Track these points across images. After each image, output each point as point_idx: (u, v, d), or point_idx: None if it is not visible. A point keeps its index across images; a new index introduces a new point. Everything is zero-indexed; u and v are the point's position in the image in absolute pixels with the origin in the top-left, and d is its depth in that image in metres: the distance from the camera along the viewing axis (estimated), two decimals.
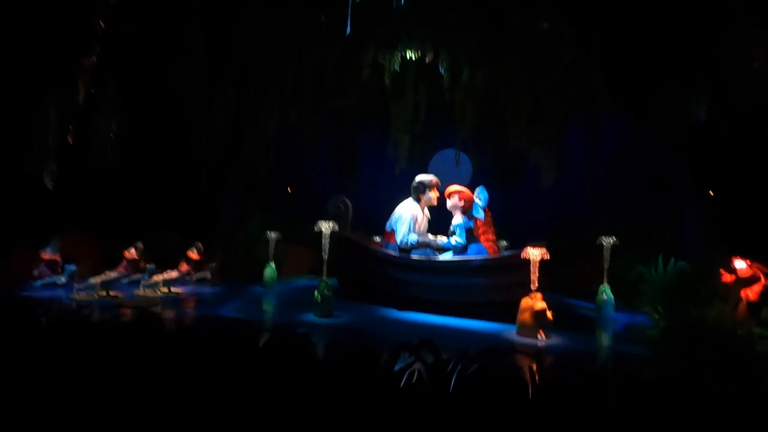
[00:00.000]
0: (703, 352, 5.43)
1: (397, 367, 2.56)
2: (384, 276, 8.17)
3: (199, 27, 9.34)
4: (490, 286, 7.42)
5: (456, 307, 7.53)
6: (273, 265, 9.41)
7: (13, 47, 8.44)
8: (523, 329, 6.55)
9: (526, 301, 6.58)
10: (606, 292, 8.17)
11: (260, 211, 11.16)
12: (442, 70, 9.31)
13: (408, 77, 10.35)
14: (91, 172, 9.38)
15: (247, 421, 2.28)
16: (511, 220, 9.85)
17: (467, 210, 7.96)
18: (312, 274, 10.33)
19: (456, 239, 7.92)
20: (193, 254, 9.88)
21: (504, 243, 9.13)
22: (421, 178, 8.62)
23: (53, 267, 8.76)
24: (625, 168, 11.24)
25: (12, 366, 2.68)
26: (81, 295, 7.62)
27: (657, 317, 6.76)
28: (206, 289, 9.09)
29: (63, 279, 8.49)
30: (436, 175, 8.75)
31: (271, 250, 9.44)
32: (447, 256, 7.95)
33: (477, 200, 7.89)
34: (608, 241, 8.20)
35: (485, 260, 7.61)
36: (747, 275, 6.49)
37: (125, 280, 8.70)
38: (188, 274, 9.57)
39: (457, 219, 8.01)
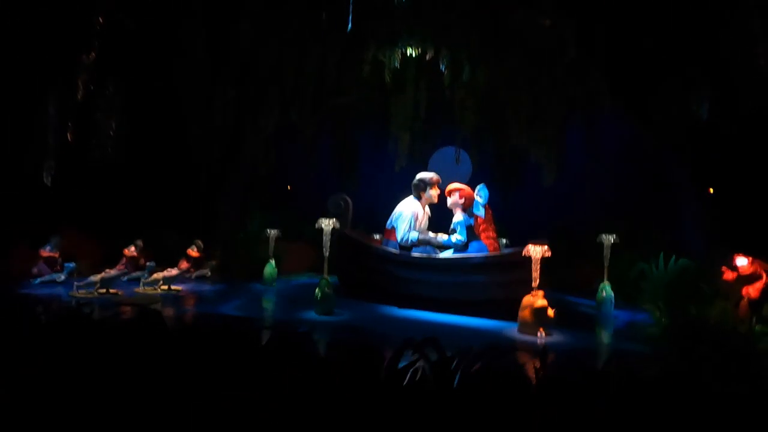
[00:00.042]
0: (705, 349, 5.43)
1: (400, 365, 2.55)
2: (385, 273, 8.17)
3: (199, 26, 9.33)
4: (491, 283, 7.42)
5: (456, 305, 7.53)
6: (273, 262, 9.40)
7: (13, 46, 8.43)
8: (525, 327, 6.55)
9: (527, 299, 6.58)
10: (606, 290, 8.17)
11: (260, 211, 11.15)
12: (442, 68, 9.30)
13: (408, 75, 10.33)
14: (91, 170, 9.38)
15: (247, 420, 2.27)
16: (511, 219, 9.84)
17: (468, 207, 7.95)
18: (312, 271, 10.34)
19: (457, 237, 7.91)
20: (193, 252, 9.88)
21: (503, 241, 9.12)
22: (421, 175, 8.61)
23: (52, 264, 8.75)
24: (626, 167, 11.23)
25: (11, 364, 2.66)
26: (80, 293, 7.61)
27: (658, 315, 6.75)
28: (206, 287, 9.09)
29: (62, 276, 8.50)
30: (435, 172, 8.74)
31: (271, 248, 9.44)
32: (448, 254, 7.95)
33: (477, 198, 7.88)
34: (608, 239, 8.20)
35: (486, 258, 7.61)
36: (748, 273, 6.47)
37: (125, 278, 8.69)
38: (188, 271, 9.57)
39: (458, 216, 8.00)
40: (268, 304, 8.38)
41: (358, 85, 10.30)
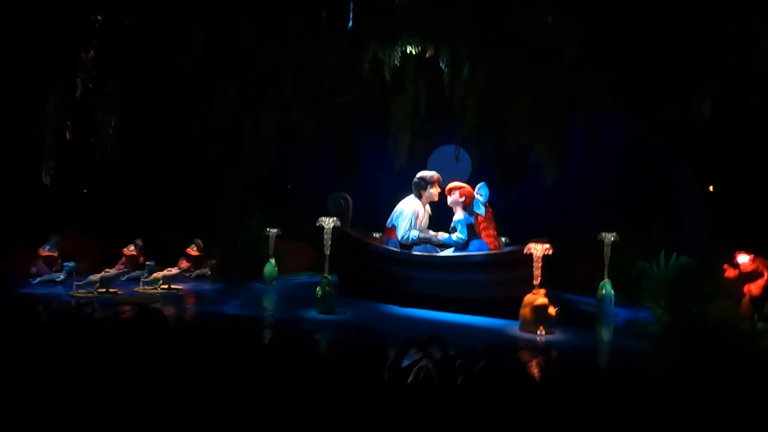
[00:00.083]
0: (706, 347, 5.42)
1: (404, 364, 2.54)
2: (385, 272, 8.15)
3: (199, 26, 9.32)
4: (492, 281, 7.41)
5: (457, 303, 7.51)
6: (273, 261, 9.38)
7: (13, 46, 8.42)
8: (526, 325, 6.53)
9: (529, 297, 6.56)
10: (606, 288, 8.16)
11: (260, 210, 11.14)
12: (443, 65, 9.29)
13: (408, 74, 10.32)
14: (90, 170, 9.36)
15: (249, 420, 2.25)
16: (511, 218, 9.82)
17: (468, 206, 7.94)
18: (312, 270, 10.32)
19: (457, 235, 7.90)
20: (193, 251, 9.87)
21: (504, 240, 9.11)
22: (422, 174, 8.60)
23: (51, 264, 8.74)
24: (626, 166, 11.21)
25: (11, 364, 2.65)
26: (80, 293, 7.60)
27: (660, 313, 6.74)
28: (206, 286, 9.08)
29: (61, 276, 8.48)
30: (435, 171, 8.73)
31: (271, 247, 9.42)
32: (448, 252, 7.93)
33: (478, 196, 7.87)
34: (609, 237, 8.18)
35: (487, 256, 7.59)
36: (750, 270, 6.46)
37: (124, 277, 8.68)
38: (188, 270, 9.55)
39: (458, 215, 7.99)
40: (269, 304, 8.37)
41: (358, 85, 10.28)
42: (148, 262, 8.63)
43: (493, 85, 9.77)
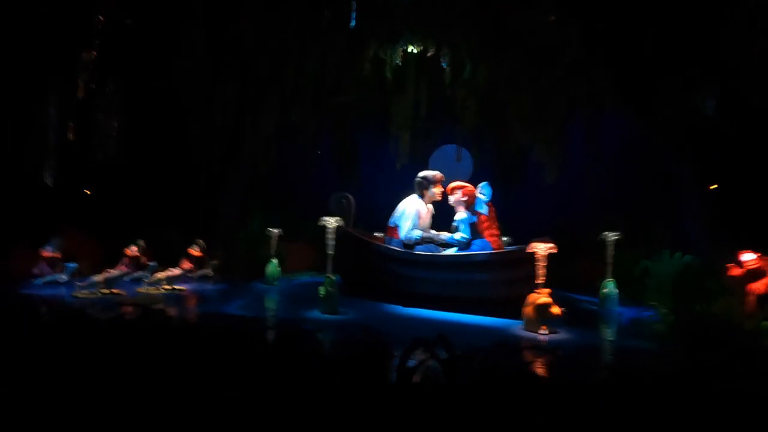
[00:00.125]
0: (711, 346, 5.40)
1: (410, 364, 2.53)
2: (387, 272, 8.14)
3: (199, 26, 9.32)
4: (495, 281, 7.39)
5: (460, 303, 7.49)
6: (275, 261, 9.37)
7: (14, 46, 8.40)
8: (530, 324, 6.52)
9: (532, 296, 6.55)
10: (609, 287, 8.15)
11: (260, 210, 11.13)
12: (444, 65, 9.28)
13: (409, 73, 10.32)
14: (91, 170, 9.35)
15: (253, 420, 2.24)
16: (513, 217, 9.80)
17: (470, 205, 7.93)
18: (314, 270, 10.30)
19: (460, 234, 7.88)
20: (195, 251, 9.85)
21: (506, 239, 9.09)
22: (424, 173, 8.59)
23: (53, 265, 8.71)
24: (627, 165, 11.20)
25: (13, 365, 2.64)
26: (83, 293, 7.58)
27: (664, 311, 6.72)
28: (209, 287, 9.07)
29: (64, 277, 8.44)
30: (437, 170, 8.71)
31: (273, 247, 9.40)
32: (451, 252, 7.91)
33: (481, 195, 7.86)
34: (612, 236, 8.17)
35: (490, 255, 7.57)
36: (754, 268, 6.44)
37: (127, 278, 8.65)
38: (190, 271, 9.54)
39: (461, 214, 7.98)
40: (272, 304, 8.35)
41: (358, 85, 10.28)
42: (150, 263, 8.61)
43: (494, 84, 9.77)
